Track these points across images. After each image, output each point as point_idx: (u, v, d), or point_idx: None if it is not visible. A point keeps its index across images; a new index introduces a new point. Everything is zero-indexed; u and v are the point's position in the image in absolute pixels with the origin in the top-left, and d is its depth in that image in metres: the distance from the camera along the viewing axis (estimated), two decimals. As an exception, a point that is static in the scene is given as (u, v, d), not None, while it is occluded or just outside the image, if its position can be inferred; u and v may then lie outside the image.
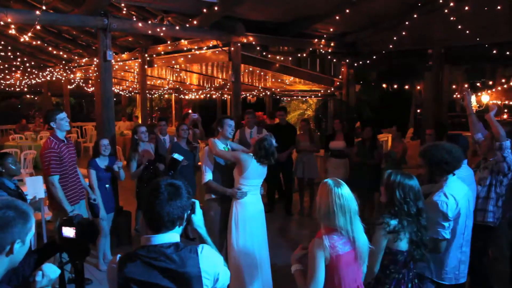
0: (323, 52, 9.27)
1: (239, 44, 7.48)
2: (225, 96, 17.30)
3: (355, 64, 9.73)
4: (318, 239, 2.42)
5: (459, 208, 3.06)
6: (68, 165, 4.51)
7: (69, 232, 1.88)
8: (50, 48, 10.88)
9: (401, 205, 2.72)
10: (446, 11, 6.73)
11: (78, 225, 1.88)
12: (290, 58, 9.91)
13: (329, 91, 10.83)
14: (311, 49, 9.13)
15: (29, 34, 6.83)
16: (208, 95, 17.71)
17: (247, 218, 4.18)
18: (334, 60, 10.33)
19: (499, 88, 14.49)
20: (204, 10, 6.72)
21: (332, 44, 8.86)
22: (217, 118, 4.80)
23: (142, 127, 5.90)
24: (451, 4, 6.54)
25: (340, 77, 10.16)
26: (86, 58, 11.33)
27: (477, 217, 3.90)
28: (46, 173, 4.41)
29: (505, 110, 15.67)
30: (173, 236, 1.82)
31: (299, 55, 9.48)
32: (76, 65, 12.42)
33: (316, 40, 8.57)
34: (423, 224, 2.76)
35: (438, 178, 3.20)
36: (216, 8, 6.56)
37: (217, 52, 8.00)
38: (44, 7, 5.67)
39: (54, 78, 14.09)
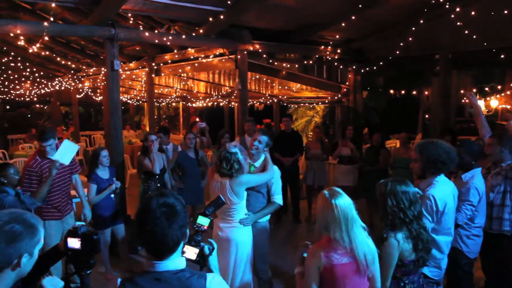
0: (329, 58, 9.27)
1: (245, 52, 7.50)
2: (233, 103, 17.30)
3: (362, 71, 9.71)
4: (314, 247, 2.46)
5: (444, 204, 3.06)
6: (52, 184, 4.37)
7: (74, 243, 1.88)
8: (58, 58, 11.00)
9: (394, 213, 2.64)
10: (452, 16, 6.70)
11: (83, 235, 1.88)
12: (296, 65, 9.90)
13: (336, 97, 10.80)
14: (317, 56, 9.13)
15: (38, 45, 6.90)
16: (215, 103, 17.75)
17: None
18: (341, 67, 10.30)
19: (508, 92, 14.38)
20: (210, 19, 6.76)
21: (338, 51, 8.85)
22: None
23: (152, 135, 5.52)
24: (458, 9, 6.51)
25: (347, 83, 10.13)
26: (94, 68, 11.44)
27: (492, 226, 3.78)
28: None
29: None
30: (179, 262, 1.72)
31: (305, 62, 9.47)
32: (84, 74, 12.54)
33: (322, 47, 8.57)
34: (423, 226, 2.71)
35: (430, 176, 3.16)
36: (222, 17, 6.60)
37: (223, 60, 8.02)
38: (52, 18, 5.72)
39: (63, 88, 14.23)
